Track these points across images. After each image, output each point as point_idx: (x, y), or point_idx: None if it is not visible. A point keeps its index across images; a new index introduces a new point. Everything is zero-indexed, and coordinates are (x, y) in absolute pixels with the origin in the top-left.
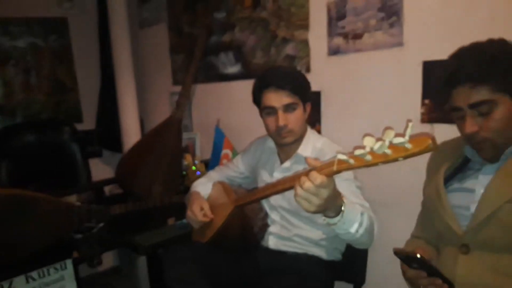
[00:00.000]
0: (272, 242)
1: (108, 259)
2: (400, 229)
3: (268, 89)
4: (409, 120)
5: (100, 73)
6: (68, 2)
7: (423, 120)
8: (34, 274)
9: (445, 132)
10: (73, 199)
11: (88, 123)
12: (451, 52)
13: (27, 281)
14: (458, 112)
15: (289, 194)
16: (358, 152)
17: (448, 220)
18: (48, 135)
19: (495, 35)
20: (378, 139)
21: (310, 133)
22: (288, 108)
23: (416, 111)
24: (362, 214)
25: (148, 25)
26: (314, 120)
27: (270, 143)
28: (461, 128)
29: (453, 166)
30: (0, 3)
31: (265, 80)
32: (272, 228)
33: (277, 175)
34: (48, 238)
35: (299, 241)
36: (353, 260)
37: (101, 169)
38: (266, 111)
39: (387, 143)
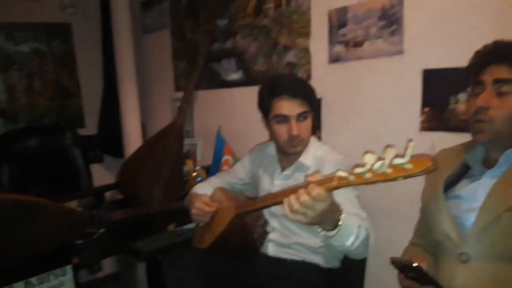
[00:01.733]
0: (271, 249)
1: (107, 265)
2: (399, 236)
3: (281, 97)
4: (409, 140)
5: (102, 78)
6: (71, 8)
7: (422, 128)
8: (33, 279)
9: (444, 140)
10: (74, 204)
11: (90, 128)
12: (451, 60)
13: (26, 287)
14: (478, 86)
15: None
16: (358, 170)
17: (447, 228)
18: (50, 140)
19: None
20: (379, 158)
21: (312, 141)
22: (300, 117)
23: (416, 119)
24: (359, 227)
25: (151, 31)
26: (314, 127)
27: (271, 150)
28: (472, 104)
29: (453, 174)
30: (5, 8)
31: (277, 87)
32: (271, 235)
33: (278, 183)
34: (49, 244)
35: (298, 248)
36: (351, 268)
37: (102, 175)
38: (277, 119)
39: (387, 162)
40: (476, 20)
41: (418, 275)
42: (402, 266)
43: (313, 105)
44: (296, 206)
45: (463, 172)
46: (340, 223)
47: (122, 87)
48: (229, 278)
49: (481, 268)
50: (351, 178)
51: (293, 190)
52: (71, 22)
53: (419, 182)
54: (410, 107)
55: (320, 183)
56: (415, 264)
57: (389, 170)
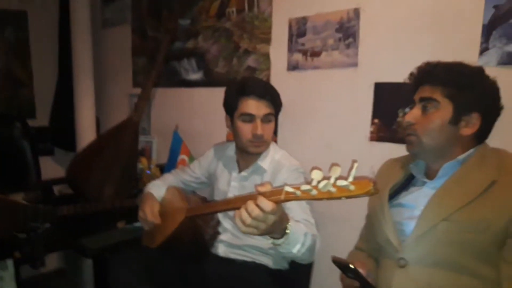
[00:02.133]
0: (221, 250)
1: (53, 261)
2: (346, 240)
3: (250, 97)
4: (354, 161)
5: (57, 69)
6: None
7: (371, 138)
8: None
9: (392, 151)
10: (19, 197)
11: (41, 119)
12: (401, 75)
13: None
14: (413, 104)
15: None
16: (304, 187)
17: (388, 234)
18: None
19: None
20: (324, 177)
21: (271, 145)
22: (266, 118)
23: (366, 129)
24: (305, 234)
25: (111, 25)
26: None
27: (230, 151)
28: (404, 119)
29: (397, 183)
30: None
31: (247, 87)
32: (223, 236)
33: (235, 184)
34: None
35: (248, 250)
36: (299, 269)
37: (52, 168)
38: (243, 117)
39: (331, 181)
40: (424, 38)
41: (355, 276)
42: (342, 266)
43: (277, 110)
44: (249, 221)
45: (408, 182)
46: (287, 231)
47: (78, 80)
48: (176, 278)
49: (418, 272)
50: (298, 193)
51: (244, 199)
52: (27, 10)
53: None
54: (361, 117)
55: (270, 194)
56: (352, 266)
57: (333, 189)
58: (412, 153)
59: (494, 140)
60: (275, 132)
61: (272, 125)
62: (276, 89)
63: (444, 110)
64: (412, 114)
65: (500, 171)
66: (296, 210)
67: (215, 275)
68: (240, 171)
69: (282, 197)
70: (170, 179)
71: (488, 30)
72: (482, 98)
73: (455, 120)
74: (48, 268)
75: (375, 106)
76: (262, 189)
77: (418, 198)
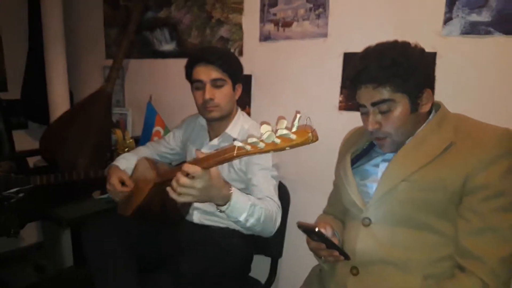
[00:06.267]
0: (196, 216)
1: (32, 234)
2: (316, 206)
3: (198, 64)
4: (297, 112)
5: (28, 40)
6: None
7: (340, 108)
8: None
9: (360, 120)
10: None
11: (13, 92)
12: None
13: None
14: (363, 108)
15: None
16: (251, 140)
17: (353, 196)
18: None
19: (409, 31)
20: (272, 129)
21: (240, 114)
22: (215, 83)
23: (335, 98)
24: (253, 205)
25: None
26: (244, 103)
27: (202, 120)
28: (365, 124)
29: (361, 148)
30: None
31: (196, 55)
32: (197, 204)
33: (206, 152)
34: None
35: (222, 215)
36: (272, 235)
37: (27, 142)
38: (195, 85)
39: (275, 133)
40: (391, 9)
41: (320, 238)
42: (307, 230)
43: (232, 74)
44: (178, 188)
45: (370, 148)
46: (230, 198)
47: (49, 51)
48: (151, 244)
49: (381, 231)
50: (248, 147)
51: (211, 156)
52: None
53: (335, 157)
54: (331, 87)
55: (207, 158)
56: (316, 229)
57: (278, 140)
58: (388, 152)
59: (458, 106)
60: (249, 103)
61: (225, 89)
62: (231, 54)
63: (401, 104)
64: (373, 122)
65: (457, 133)
66: (262, 188)
67: (190, 241)
68: (210, 139)
69: (235, 153)
70: (143, 151)
71: (451, 0)
72: (426, 73)
73: (415, 107)
74: (27, 242)
75: (344, 76)
76: (200, 154)
77: (379, 162)
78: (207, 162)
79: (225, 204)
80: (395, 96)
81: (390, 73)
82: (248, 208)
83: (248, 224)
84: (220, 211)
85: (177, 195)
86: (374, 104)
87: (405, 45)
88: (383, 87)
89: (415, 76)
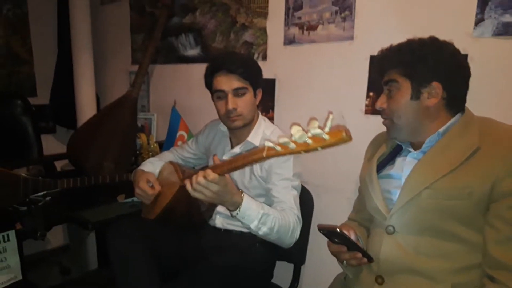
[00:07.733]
0: (218, 221)
1: (58, 237)
2: (341, 211)
3: (219, 73)
4: (330, 112)
5: (57, 47)
6: None
7: (366, 112)
8: None
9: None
10: (22, 172)
11: (42, 97)
12: None
13: None
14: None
15: (239, 175)
16: (282, 140)
17: (377, 203)
18: None
19: (439, 33)
20: (304, 130)
21: (261, 120)
22: (238, 92)
23: (361, 102)
24: (265, 214)
25: (109, 2)
26: (268, 107)
27: (223, 127)
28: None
29: (385, 153)
30: None
31: (216, 64)
32: (220, 208)
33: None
34: None
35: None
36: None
37: (55, 146)
38: (216, 94)
39: (308, 133)
40: (419, 11)
41: (342, 240)
42: (328, 233)
43: (254, 82)
44: (194, 185)
45: (396, 152)
46: (241, 205)
47: (77, 57)
48: (174, 249)
49: (404, 239)
50: (278, 148)
51: (239, 159)
52: None
53: (360, 162)
54: (357, 90)
55: (252, 154)
56: (338, 230)
57: (309, 141)
58: (391, 137)
59: (492, 111)
60: (272, 107)
61: (247, 97)
62: (252, 60)
63: (403, 88)
64: (380, 100)
65: (483, 138)
66: (281, 199)
67: (212, 246)
68: (232, 147)
69: (264, 153)
70: (167, 156)
71: (483, 1)
72: (438, 67)
73: (416, 95)
74: (53, 245)
75: (370, 79)
76: (216, 160)
77: (403, 168)
78: (227, 167)
79: (236, 210)
80: (401, 79)
81: (403, 55)
82: (260, 216)
83: (260, 232)
84: (232, 216)
85: (192, 189)
86: (385, 83)
87: (430, 38)
88: (395, 69)
89: (422, 65)
